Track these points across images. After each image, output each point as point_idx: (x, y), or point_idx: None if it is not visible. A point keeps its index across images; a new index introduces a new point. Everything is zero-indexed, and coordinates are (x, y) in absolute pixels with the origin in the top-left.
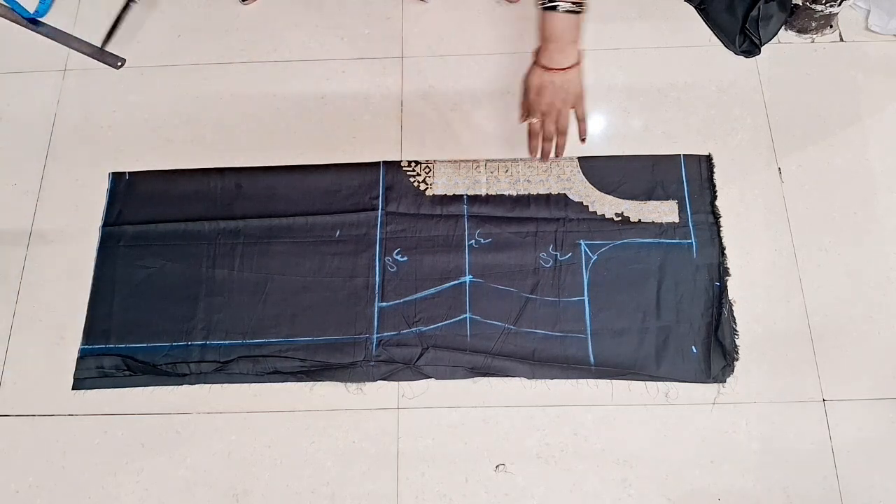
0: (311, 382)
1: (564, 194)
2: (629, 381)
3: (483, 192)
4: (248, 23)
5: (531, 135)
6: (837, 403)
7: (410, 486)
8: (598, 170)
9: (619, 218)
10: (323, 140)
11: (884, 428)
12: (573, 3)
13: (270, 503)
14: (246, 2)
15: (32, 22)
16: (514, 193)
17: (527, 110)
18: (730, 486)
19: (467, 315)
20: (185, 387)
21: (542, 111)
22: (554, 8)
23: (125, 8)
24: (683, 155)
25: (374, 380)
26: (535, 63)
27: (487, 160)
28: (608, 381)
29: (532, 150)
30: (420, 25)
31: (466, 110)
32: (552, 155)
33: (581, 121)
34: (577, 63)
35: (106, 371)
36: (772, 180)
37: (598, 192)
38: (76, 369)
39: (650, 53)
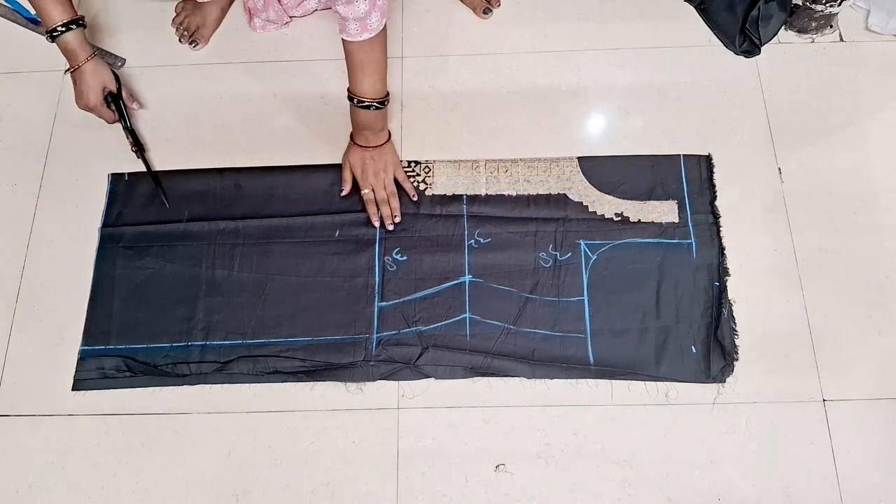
0: (311, 382)
1: (564, 194)
2: (629, 381)
3: (483, 192)
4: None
5: (367, 203)
6: (837, 403)
7: (410, 486)
8: (598, 170)
9: (619, 218)
10: (323, 140)
11: (884, 428)
12: (379, 102)
13: (270, 503)
14: (196, 47)
15: (32, 22)
16: (514, 193)
17: (351, 183)
18: (730, 486)
19: (467, 315)
20: (185, 387)
21: (370, 182)
22: (367, 107)
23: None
24: (683, 155)
25: (374, 379)
26: (353, 143)
27: (487, 160)
28: (608, 381)
29: (373, 216)
30: (420, 25)
31: (466, 110)
32: (396, 217)
33: (404, 183)
34: (388, 140)
35: (106, 372)
36: (772, 180)
37: (597, 192)
38: (76, 370)
39: (650, 53)
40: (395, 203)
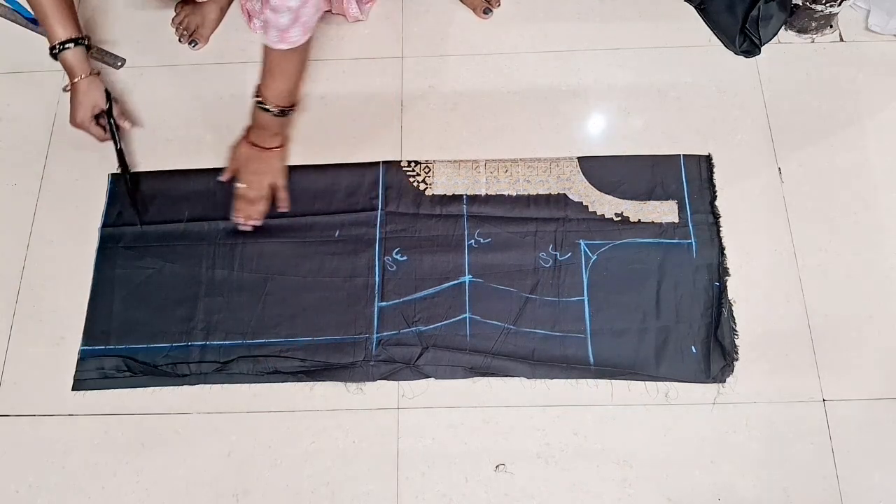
0: (311, 382)
1: (564, 194)
2: (629, 381)
3: (483, 192)
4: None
5: (236, 197)
6: (837, 403)
7: (410, 486)
8: (598, 170)
9: (619, 218)
10: (323, 140)
11: (884, 428)
12: (279, 110)
13: (270, 503)
14: (196, 47)
15: (33, 22)
16: (514, 193)
17: (233, 174)
18: (730, 486)
19: (467, 315)
20: (185, 387)
21: (247, 179)
22: (266, 110)
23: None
24: (683, 155)
25: (374, 379)
26: (245, 137)
27: (487, 160)
28: (608, 381)
29: (236, 211)
30: (420, 25)
31: (466, 110)
32: (256, 221)
33: (280, 190)
34: (281, 146)
35: (106, 372)
36: (772, 180)
37: (597, 192)
38: (76, 370)
39: (650, 53)
40: (262, 208)
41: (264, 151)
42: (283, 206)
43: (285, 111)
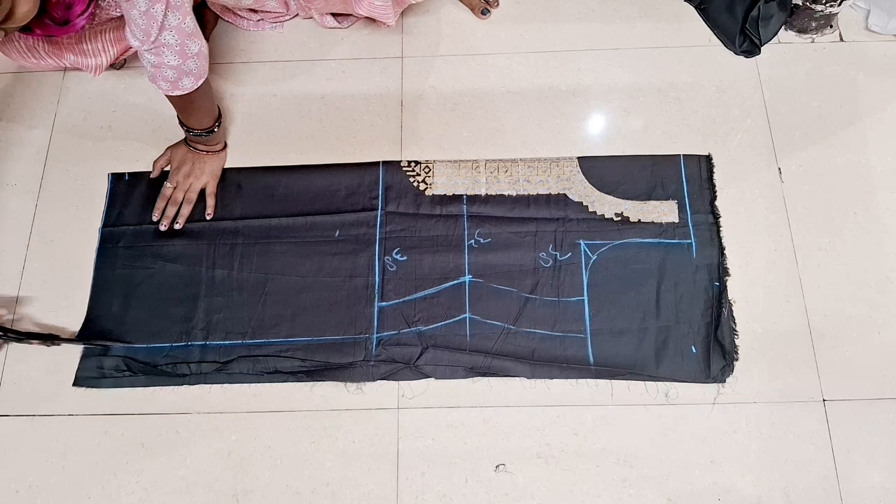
0: (311, 382)
1: (564, 194)
2: (629, 381)
3: (483, 192)
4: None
5: (161, 197)
6: (837, 403)
7: (410, 486)
8: (598, 170)
9: (619, 218)
10: (323, 140)
11: (884, 428)
12: (206, 131)
13: (270, 503)
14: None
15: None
16: (514, 193)
17: (160, 170)
18: (730, 486)
19: (467, 315)
20: (185, 387)
21: (177, 180)
22: (198, 136)
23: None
24: (683, 155)
25: (374, 379)
26: (185, 140)
27: (487, 160)
28: (608, 381)
29: (156, 210)
30: (420, 25)
31: (466, 110)
32: (177, 224)
33: (209, 196)
34: (220, 151)
35: (106, 372)
36: (772, 180)
37: (597, 192)
38: (76, 370)
39: (650, 53)
40: (185, 211)
41: (200, 154)
42: (210, 213)
43: (211, 130)
